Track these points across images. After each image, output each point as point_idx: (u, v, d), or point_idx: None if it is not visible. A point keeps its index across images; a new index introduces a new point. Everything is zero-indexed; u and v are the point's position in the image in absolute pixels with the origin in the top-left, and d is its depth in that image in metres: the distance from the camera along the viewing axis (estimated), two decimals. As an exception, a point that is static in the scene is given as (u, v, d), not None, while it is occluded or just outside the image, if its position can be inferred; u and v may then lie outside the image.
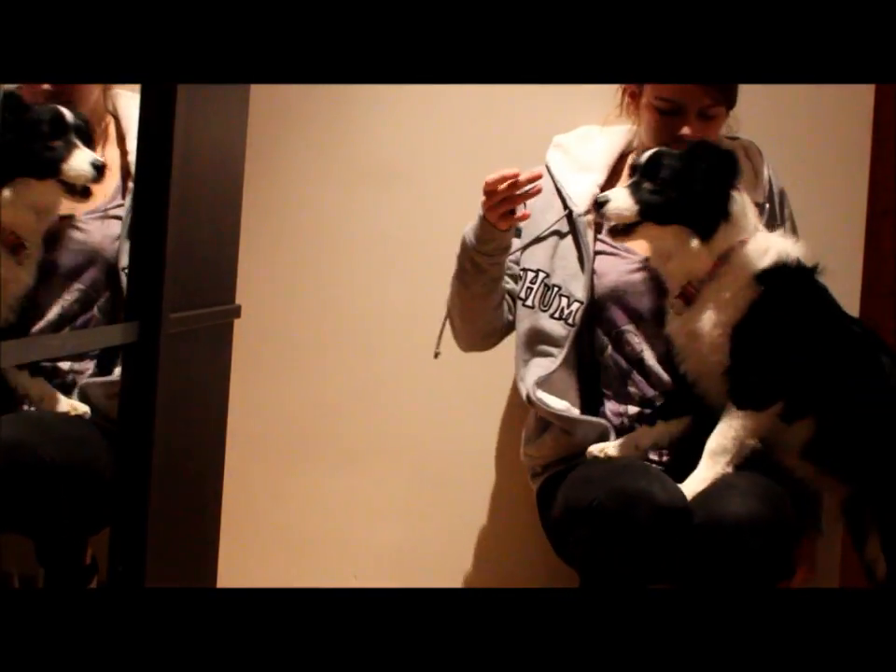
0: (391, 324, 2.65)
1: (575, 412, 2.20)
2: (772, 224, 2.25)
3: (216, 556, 2.05)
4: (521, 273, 2.27)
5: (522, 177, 2.05)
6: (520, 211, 2.13)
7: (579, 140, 2.33)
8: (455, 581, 2.64)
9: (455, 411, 2.64)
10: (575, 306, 2.21)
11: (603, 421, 2.19)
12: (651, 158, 2.05)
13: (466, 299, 2.25)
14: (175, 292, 1.63)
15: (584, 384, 2.23)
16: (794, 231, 2.32)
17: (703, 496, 2.00)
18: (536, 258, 2.25)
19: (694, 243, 2.03)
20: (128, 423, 1.60)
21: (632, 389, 2.20)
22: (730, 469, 2.03)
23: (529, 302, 2.25)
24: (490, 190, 2.08)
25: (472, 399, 2.62)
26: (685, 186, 2.02)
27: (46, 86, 2.17)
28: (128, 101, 2.29)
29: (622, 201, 2.03)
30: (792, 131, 2.55)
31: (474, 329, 2.30)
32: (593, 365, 2.26)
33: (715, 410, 2.09)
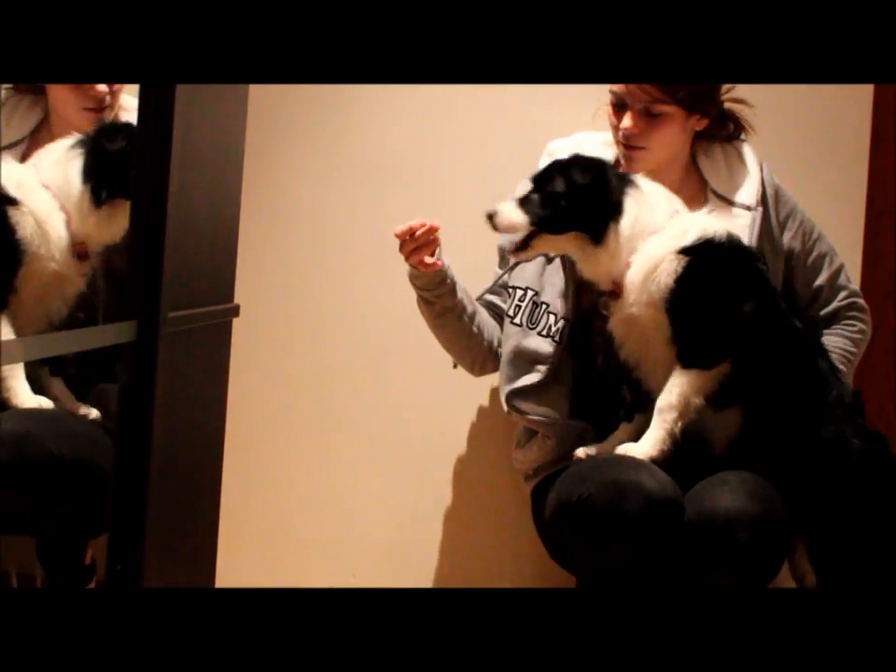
0: (390, 323, 2.65)
1: (554, 416, 2.21)
2: (766, 227, 2.25)
3: (214, 556, 2.05)
4: (510, 290, 2.28)
5: (419, 232, 2.13)
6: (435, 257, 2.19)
7: (571, 148, 2.32)
8: (453, 582, 2.64)
9: (455, 411, 2.64)
10: (562, 324, 2.22)
11: (580, 423, 2.20)
12: (542, 171, 2.13)
13: (433, 329, 2.30)
14: (174, 291, 1.63)
15: (577, 389, 2.24)
16: (803, 223, 2.31)
17: (693, 493, 2.01)
18: (524, 276, 2.26)
19: (590, 246, 2.07)
20: (126, 422, 1.59)
21: (625, 394, 2.20)
22: (678, 427, 2.03)
23: (518, 320, 2.26)
24: (401, 241, 2.15)
25: (472, 400, 2.62)
26: (571, 197, 2.06)
27: (100, 88, 2.19)
28: (128, 103, 2.29)
29: (511, 212, 2.08)
30: (792, 131, 2.55)
31: (458, 356, 2.35)
32: (586, 371, 2.26)
33: (653, 392, 2.10)
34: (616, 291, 2.10)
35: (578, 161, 2.12)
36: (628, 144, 2.20)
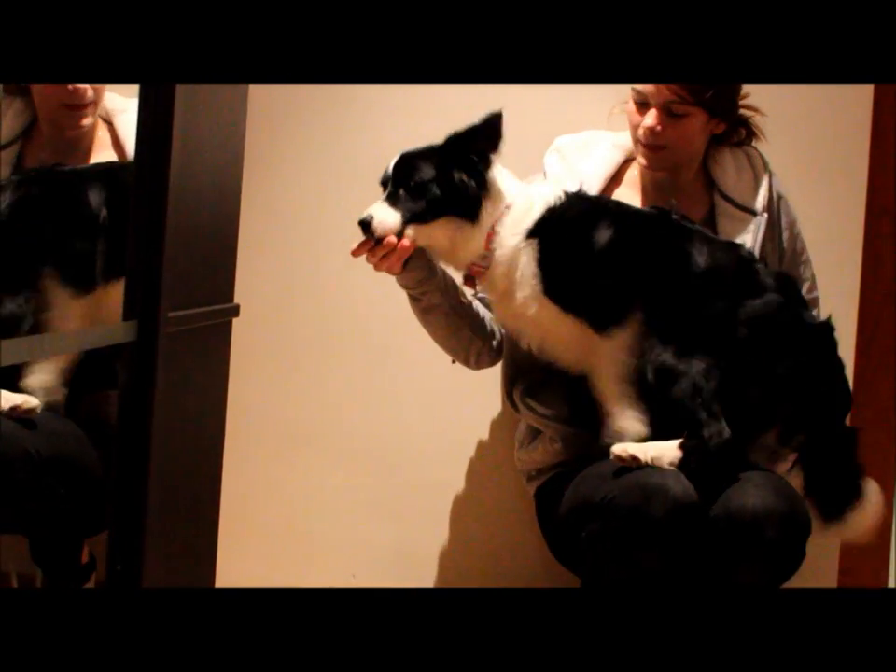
0: (390, 322, 2.65)
1: (558, 415, 2.21)
2: (771, 233, 2.25)
3: (214, 556, 2.05)
4: None
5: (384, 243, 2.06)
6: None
7: (579, 146, 2.32)
8: (454, 581, 2.64)
9: (454, 410, 2.64)
10: None
11: (587, 430, 2.19)
12: (396, 165, 2.08)
13: (421, 323, 2.27)
14: (174, 291, 1.63)
15: (578, 390, 2.24)
16: (797, 240, 2.31)
17: (718, 490, 2.00)
18: None
19: (466, 227, 2.06)
20: (126, 422, 1.59)
21: None
22: (632, 393, 2.02)
23: None
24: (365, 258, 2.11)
25: (472, 399, 2.62)
26: (441, 183, 2.05)
27: (81, 84, 2.17)
28: (119, 104, 2.29)
29: (384, 213, 2.05)
30: (791, 131, 2.54)
31: (449, 351, 2.31)
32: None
33: (571, 368, 2.12)
34: (473, 275, 2.12)
35: (435, 148, 2.11)
36: (649, 143, 2.19)
